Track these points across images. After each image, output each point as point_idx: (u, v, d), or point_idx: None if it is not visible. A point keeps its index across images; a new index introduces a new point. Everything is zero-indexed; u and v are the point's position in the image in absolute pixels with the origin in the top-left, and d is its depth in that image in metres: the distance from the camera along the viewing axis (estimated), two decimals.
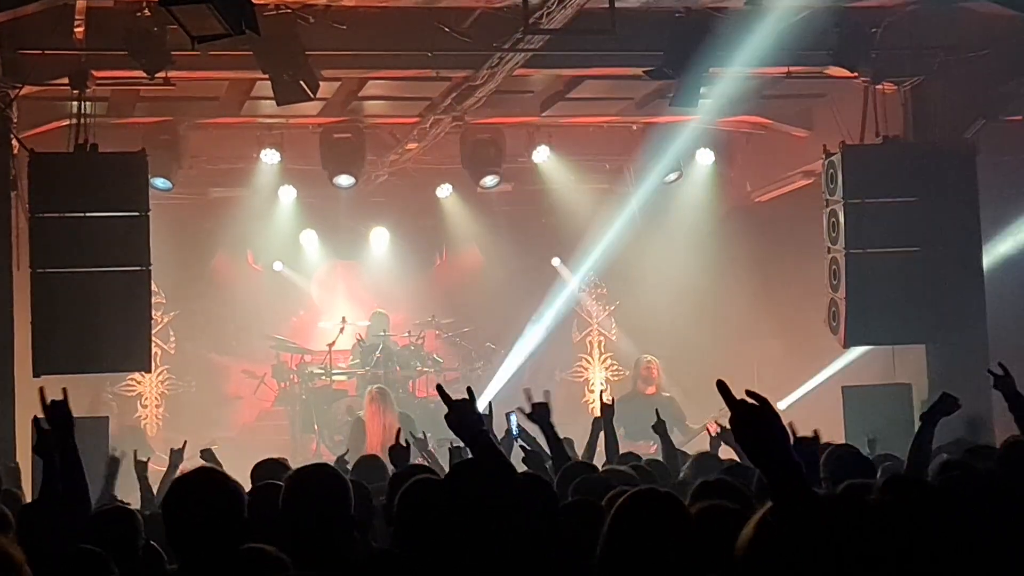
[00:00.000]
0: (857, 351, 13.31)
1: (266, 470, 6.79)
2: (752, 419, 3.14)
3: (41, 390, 5.17)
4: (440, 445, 10.45)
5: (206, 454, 9.41)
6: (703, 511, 4.16)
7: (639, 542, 3.88)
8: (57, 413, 5.13)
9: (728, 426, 8.85)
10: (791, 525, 3.07)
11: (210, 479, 4.49)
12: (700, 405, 14.72)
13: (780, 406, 10.33)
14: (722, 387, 3.23)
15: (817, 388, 14.37)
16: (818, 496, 3.30)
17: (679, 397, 15.44)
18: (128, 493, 8.54)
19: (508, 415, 9.21)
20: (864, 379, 12.94)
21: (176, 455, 9.30)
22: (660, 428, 9.09)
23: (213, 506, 4.28)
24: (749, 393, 3.19)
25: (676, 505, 3.99)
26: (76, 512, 5.12)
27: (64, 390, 5.18)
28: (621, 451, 8.82)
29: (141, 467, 8.98)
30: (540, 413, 7.64)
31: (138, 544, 5.26)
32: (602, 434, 8.99)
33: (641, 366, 16.04)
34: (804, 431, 6.40)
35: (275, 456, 7.36)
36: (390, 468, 7.40)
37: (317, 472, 5.02)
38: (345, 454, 9.87)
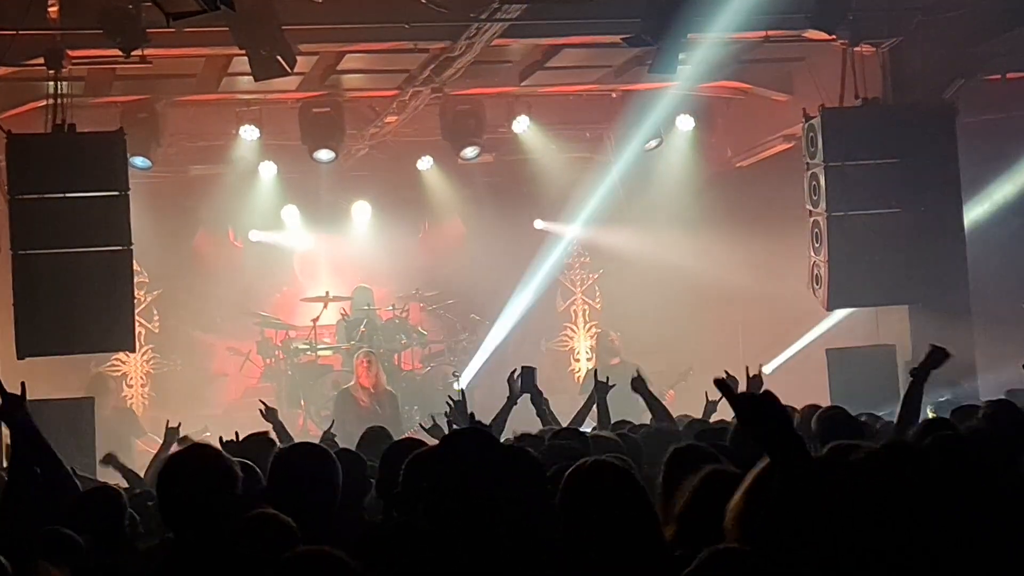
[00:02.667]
0: (840, 313, 13.34)
1: (253, 446, 6.79)
2: (756, 412, 3.25)
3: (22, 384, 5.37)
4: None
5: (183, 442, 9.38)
6: (709, 476, 4.19)
7: (589, 514, 3.94)
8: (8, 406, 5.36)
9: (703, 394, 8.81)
10: (796, 492, 3.18)
11: (204, 456, 4.50)
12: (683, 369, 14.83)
13: (765, 370, 10.39)
14: (721, 385, 3.30)
15: (801, 351, 14.43)
16: (818, 462, 3.37)
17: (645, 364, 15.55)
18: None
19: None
20: (848, 341, 12.96)
21: (171, 433, 9.27)
22: (639, 384, 8.96)
23: (207, 483, 4.30)
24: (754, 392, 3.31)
25: (624, 475, 4.05)
26: (47, 487, 5.20)
27: (23, 384, 5.59)
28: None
29: (112, 460, 8.94)
30: (526, 379, 7.65)
31: (123, 523, 5.28)
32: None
33: (607, 339, 16.22)
34: (788, 395, 6.39)
35: (261, 432, 7.37)
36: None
37: (302, 452, 5.01)
38: (330, 427, 9.86)
